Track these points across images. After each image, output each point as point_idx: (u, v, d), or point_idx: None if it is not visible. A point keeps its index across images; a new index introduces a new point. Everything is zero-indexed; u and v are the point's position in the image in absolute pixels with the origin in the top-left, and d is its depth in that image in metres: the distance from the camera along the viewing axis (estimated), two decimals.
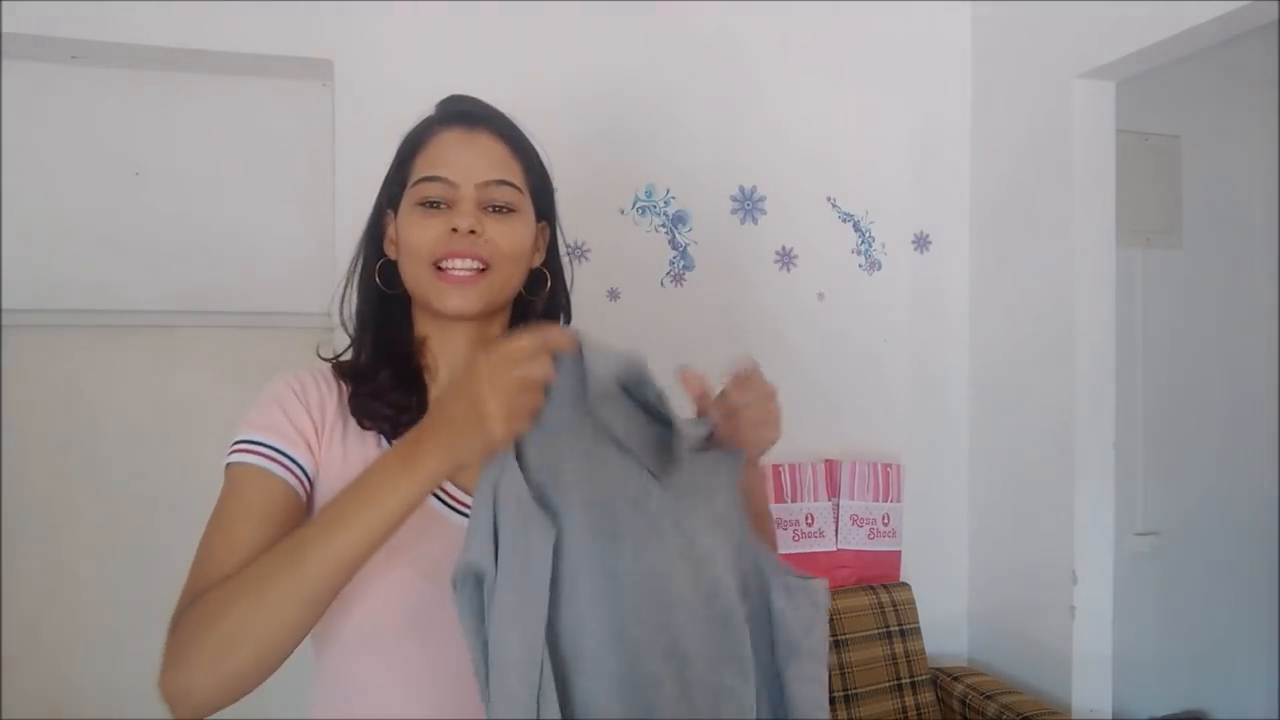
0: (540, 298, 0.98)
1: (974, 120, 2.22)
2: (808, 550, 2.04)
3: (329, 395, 0.90)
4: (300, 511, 0.83)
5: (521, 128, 0.96)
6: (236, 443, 0.85)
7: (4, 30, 1.63)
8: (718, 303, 2.04)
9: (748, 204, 2.08)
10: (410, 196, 0.90)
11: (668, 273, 2.02)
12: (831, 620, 1.95)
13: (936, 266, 2.22)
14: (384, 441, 0.87)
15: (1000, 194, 2.14)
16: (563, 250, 1.02)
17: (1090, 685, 1.90)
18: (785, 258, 2.11)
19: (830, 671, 1.91)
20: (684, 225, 2.03)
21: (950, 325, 2.23)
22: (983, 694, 1.89)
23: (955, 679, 1.99)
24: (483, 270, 0.87)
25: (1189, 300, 2.44)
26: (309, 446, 0.85)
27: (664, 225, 2.02)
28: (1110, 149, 1.92)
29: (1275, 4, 1.49)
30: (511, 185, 0.90)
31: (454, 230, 0.86)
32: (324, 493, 0.84)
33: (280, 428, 0.85)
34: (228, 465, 0.84)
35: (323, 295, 1.88)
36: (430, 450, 0.71)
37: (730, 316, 2.05)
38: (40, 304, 1.78)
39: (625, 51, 1.97)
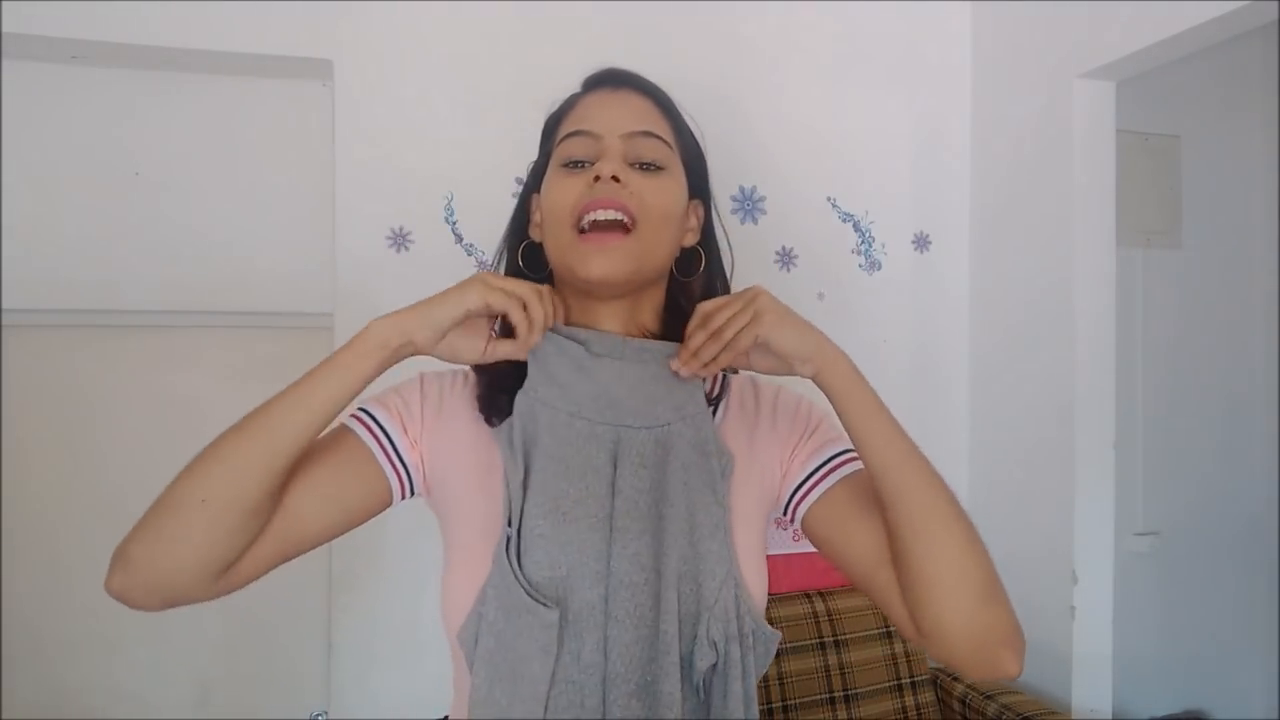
0: (695, 280, 0.90)
1: (974, 120, 2.22)
2: (808, 550, 2.04)
3: (460, 388, 0.88)
4: (370, 473, 0.82)
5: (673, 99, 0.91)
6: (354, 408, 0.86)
7: (4, 30, 1.63)
8: None
9: (748, 204, 2.08)
10: (554, 160, 0.85)
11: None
12: (832, 620, 1.95)
13: (936, 266, 2.22)
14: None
15: (1000, 194, 2.14)
16: (720, 234, 0.95)
17: (1090, 685, 1.90)
18: (785, 258, 2.11)
19: (830, 671, 1.91)
20: None
21: (950, 325, 2.23)
22: (983, 694, 1.89)
23: (955, 679, 1.99)
24: (628, 228, 0.80)
25: (1189, 300, 2.44)
26: (403, 424, 0.84)
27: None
28: (1110, 149, 1.92)
29: (1275, 4, 1.49)
30: (659, 139, 0.84)
31: (596, 179, 0.80)
32: (439, 473, 0.85)
33: (386, 403, 0.85)
34: None
35: (323, 295, 1.88)
36: (396, 317, 0.77)
37: None
38: (40, 304, 1.78)
39: (625, 51, 1.95)
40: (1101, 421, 1.92)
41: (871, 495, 0.82)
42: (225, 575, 0.74)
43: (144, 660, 1.82)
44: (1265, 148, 2.49)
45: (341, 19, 1.81)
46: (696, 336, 0.78)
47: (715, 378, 0.91)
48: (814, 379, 0.80)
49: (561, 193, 0.82)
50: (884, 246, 2.18)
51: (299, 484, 0.77)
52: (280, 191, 1.92)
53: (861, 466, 0.84)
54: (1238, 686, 2.46)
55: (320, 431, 0.76)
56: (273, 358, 1.91)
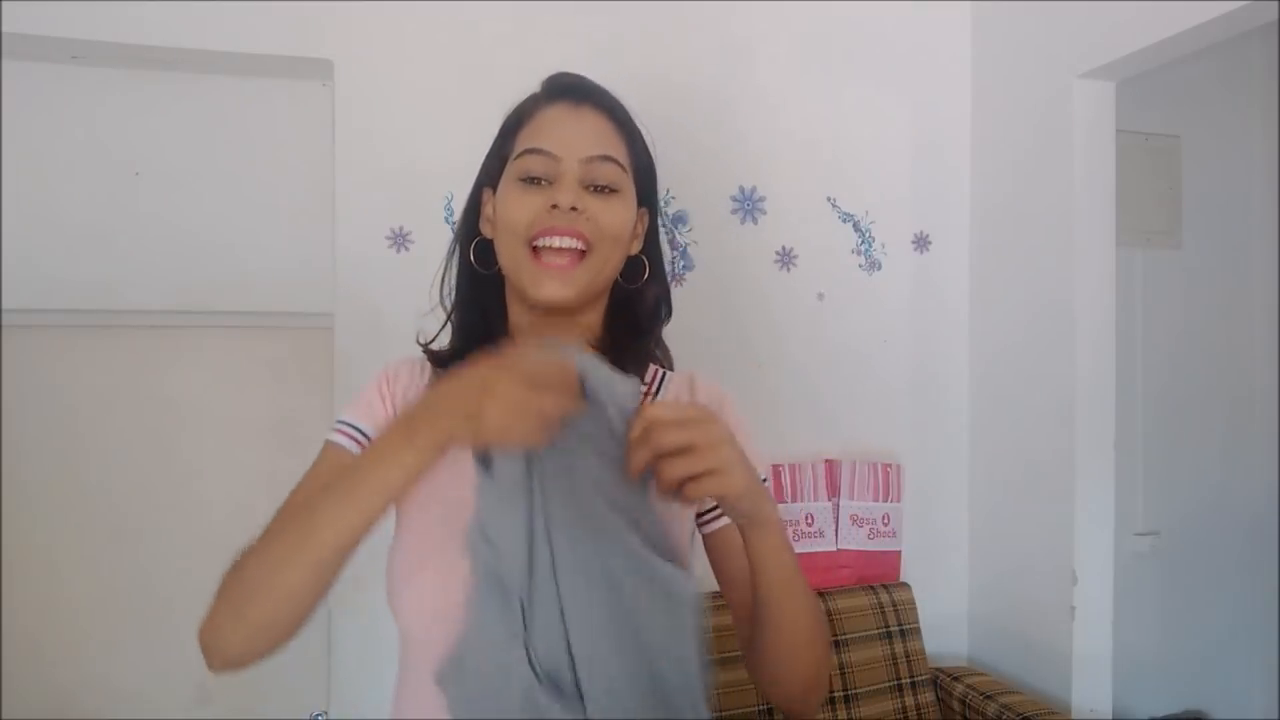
0: (639, 286, 0.95)
1: (974, 120, 2.22)
2: (807, 550, 2.04)
3: (419, 382, 0.91)
4: None
5: (628, 107, 0.94)
6: (335, 423, 0.89)
7: (4, 30, 1.63)
8: (718, 303, 2.04)
9: (748, 204, 2.08)
10: (511, 171, 0.88)
11: (668, 273, 2.02)
12: (831, 620, 1.95)
13: (936, 266, 2.22)
14: None
15: (1000, 194, 2.14)
16: (663, 240, 1.00)
17: (1090, 685, 1.90)
18: (785, 258, 2.11)
19: (830, 672, 1.91)
20: (684, 225, 2.03)
21: (950, 325, 2.23)
22: (983, 694, 1.89)
23: (955, 679, 1.99)
24: (583, 252, 0.85)
25: (1189, 300, 2.44)
26: (379, 426, 0.87)
27: (664, 225, 2.02)
28: (1110, 149, 1.92)
29: (1275, 4, 1.49)
30: (616, 163, 0.88)
31: (554, 207, 0.84)
32: None
33: (366, 411, 0.88)
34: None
35: (323, 295, 1.88)
36: (426, 427, 0.72)
37: (730, 316, 2.05)
38: (40, 304, 1.78)
39: (625, 52, 1.97)
40: (1101, 421, 1.92)
41: None
42: None
43: (144, 660, 1.82)
44: (1265, 148, 2.50)
45: (341, 19, 1.81)
46: (638, 455, 0.72)
47: (653, 376, 0.95)
48: (739, 521, 0.79)
49: (519, 209, 0.85)
50: (884, 246, 2.18)
51: None
52: (280, 191, 1.92)
53: None
54: (1238, 686, 2.46)
55: (359, 541, 0.76)
56: (273, 358, 1.91)
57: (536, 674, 0.74)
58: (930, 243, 2.22)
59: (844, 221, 2.15)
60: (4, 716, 1.74)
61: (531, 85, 0.96)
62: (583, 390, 0.74)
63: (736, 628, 0.92)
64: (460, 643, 0.77)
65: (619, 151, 0.89)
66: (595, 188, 0.86)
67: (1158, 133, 2.40)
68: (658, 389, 0.95)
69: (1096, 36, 1.82)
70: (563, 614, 0.76)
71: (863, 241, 2.17)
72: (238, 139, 1.89)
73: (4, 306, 1.75)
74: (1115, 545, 1.93)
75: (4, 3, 1.63)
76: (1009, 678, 2.04)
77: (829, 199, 2.14)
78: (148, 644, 1.82)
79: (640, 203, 0.93)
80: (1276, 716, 2.42)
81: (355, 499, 0.74)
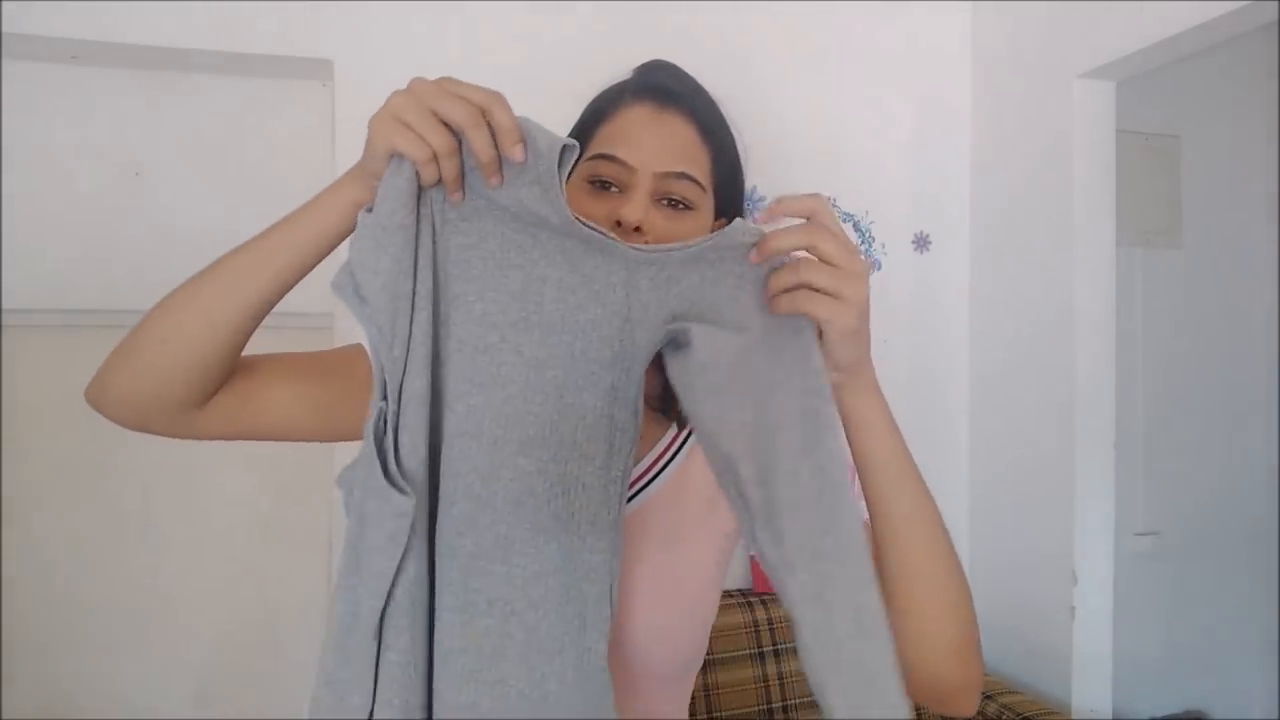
0: None
1: (974, 120, 2.22)
2: None
3: None
4: (358, 390, 0.78)
5: (722, 108, 0.87)
6: None
7: (4, 30, 1.63)
8: None
9: (748, 204, 2.08)
10: (582, 170, 0.82)
11: None
12: None
13: (936, 266, 2.22)
14: None
15: (1000, 194, 2.14)
16: None
17: (1090, 685, 1.90)
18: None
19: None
20: None
21: (950, 325, 2.23)
22: (982, 694, 1.89)
23: None
24: None
25: (1189, 300, 2.44)
26: None
27: None
28: (1110, 149, 1.92)
29: (1275, 4, 1.49)
30: (693, 180, 0.81)
31: (618, 223, 0.77)
32: None
33: None
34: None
35: (322, 294, 1.88)
36: (351, 170, 0.71)
37: None
38: (40, 304, 1.78)
39: (625, 51, 1.95)
40: (1101, 421, 1.92)
41: None
42: (185, 419, 0.75)
43: (144, 660, 1.82)
44: (1265, 148, 2.50)
45: (341, 19, 1.81)
46: (792, 238, 0.72)
47: (674, 436, 0.89)
48: (837, 374, 0.71)
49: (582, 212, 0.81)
50: (884, 246, 2.18)
51: (279, 369, 0.79)
52: (280, 191, 1.91)
53: None
54: (1238, 686, 2.46)
55: (282, 289, 0.74)
56: None
57: (396, 467, 0.66)
58: (930, 243, 2.22)
59: (844, 221, 2.16)
60: (4, 716, 1.74)
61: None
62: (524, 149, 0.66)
63: None
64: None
65: (700, 166, 0.82)
66: (668, 200, 0.81)
67: (1158, 133, 2.40)
68: (677, 449, 0.88)
69: (1096, 36, 1.82)
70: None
71: (863, 241, 2.17)
72: (238, 139, 1.89)
73: (4, 306, 1.75)
74: (1115, 545, 1.93)
75: (4, 3, 1.63)
76: (1009, 678, 2.04)
77: (829, 199, 2.14)
78: (148, 644, 1.82)
79: (719, 214, 0.86)
80: (1276, 717, 2.42)
81: (265, 247, 0.73)
